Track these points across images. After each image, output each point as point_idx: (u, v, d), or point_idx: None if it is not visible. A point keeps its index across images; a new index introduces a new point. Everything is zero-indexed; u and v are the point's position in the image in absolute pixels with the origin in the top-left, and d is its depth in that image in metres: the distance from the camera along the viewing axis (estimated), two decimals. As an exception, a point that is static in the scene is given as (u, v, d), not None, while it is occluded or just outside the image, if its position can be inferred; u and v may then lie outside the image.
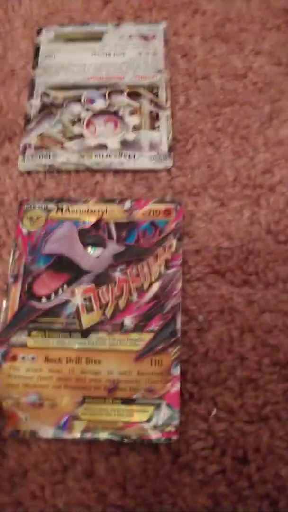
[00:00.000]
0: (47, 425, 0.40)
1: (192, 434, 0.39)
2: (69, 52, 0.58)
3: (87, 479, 0.38)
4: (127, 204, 0.48)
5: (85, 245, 0.46)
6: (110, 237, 0.46)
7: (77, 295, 0.44)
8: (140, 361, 0.41)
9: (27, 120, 0.54)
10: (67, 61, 0.57)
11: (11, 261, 0.45)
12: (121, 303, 0.43)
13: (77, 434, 0.39)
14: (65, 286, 0.44)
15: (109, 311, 0.43)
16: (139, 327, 0.42)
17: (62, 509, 0.37)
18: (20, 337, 0.42)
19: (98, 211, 0.48)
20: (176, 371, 0.41)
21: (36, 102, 0.55)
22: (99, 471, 0.38)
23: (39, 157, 0.52)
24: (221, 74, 0.56)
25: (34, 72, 0.57)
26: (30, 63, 0.58)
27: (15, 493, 0.38)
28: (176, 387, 0.40)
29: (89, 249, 0.46)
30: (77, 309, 0.43)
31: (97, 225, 0.47)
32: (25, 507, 0.37)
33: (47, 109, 0.55)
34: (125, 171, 0.51)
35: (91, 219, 0.47)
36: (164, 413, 0.39)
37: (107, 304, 0.43)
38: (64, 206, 0.48)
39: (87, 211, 0.48)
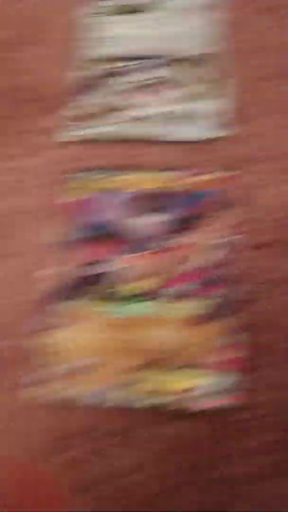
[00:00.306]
0: (89, 392, 0.38)
1: (254, 401, 0.36)
2: (113, 24, 0.57)
3: (129, 446, 0.36)
4: (183, 173, 0.46)
5: (132, 214, 0.44)
6: (165, 205, 0.44)
7: (124, 263, 0.42)
8: (200, 327, 0.39)
9: (71, 91, 0.53)
10: (112, 32, 0.56)
11: (56, 229, 0.44)
12: (172, 270, 0.41)
13: (132, 400, 0.37)
14: (112, 254, 0.43)
15: (159, 279, 0.41)
16: (190, 295, 0.40)
17: (103, 474, 0.35)
18: (74, 304, 0.40)
19: (148, 181, 0.46)
20: (239, 338, 0.38)
21: (79, 74, 0.54)
22: (141, 438, 0.36)
23: (83, 127, 0.51)
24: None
25: (78, 44, 0.56)
26: (74, 36, 0.57)
27: (57, 458, 0.35)
28: (239, 353, 0.38)
29: (136, 217, 0.44)
30: (125, 276, 0.41)
31: (145, 194, 0.45)
32: (67, 473, 0.35)
33: (91, 81, 0.53)
34: (173, 141, 0.49)
35: (137, 188, 0.46)
36: (227, 379, 0.37)
37: (157, 272, 0.41)
38: (108, 176, 0.47)
39: (135, 181, 0.46)
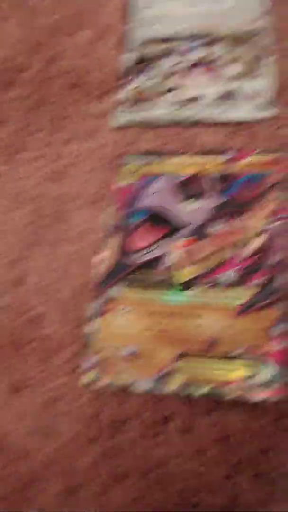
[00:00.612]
0: (144, 378, 0.39)
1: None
2: (164, 3, 0.56)
3: (187, 433, 0.37)
4: (228, 156, 0.46)
5: (184, 198, 0.44)
6: (209, 189, 0.44)
7: (176, 248, 0.42)
8: (242, 317, 0.39)
9: (123, 74, 0.53)
10: (163, 12, 0.55)
11: (108, 214, 0.45)
12: (222, 256, 0.41)
13: (175, 389, 0.38)
14: (163, 239, 0.43)
15: (209, 265, 0.41)
16: (241, 282, 0.40)
17: (161, 459, 0.36)
18: (118, 290, 0.42)
19: (197, 164, 0.46)
20: (281, 328, 0.38)
21: (131, 56, 0.54)
22: (199, 426, 0.37)
23: (136, 111, 0.51)
24: None
25: (129, 25, 0.56)
26: (125, 16, 0.56)
27: (116, 440, 0.37)
28: (282, 345, 0.37)
29: (188, 202, 0.44)
30: (176, 262, 0.42)
31: (196, 177, 0.45)
32: (125, 455, 0.37)
33: (143, 63, 0.53)
34: (225, 123, 0.48)
35: (190, 172, 0.45)
36: (268, 371, 0.37)
37: (207, 258, 0.42)
38: (162, 159, 0.47)
39: (185, 164, 0.46)
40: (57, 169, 0.49)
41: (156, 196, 0.45)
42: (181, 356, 0.38)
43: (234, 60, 0.49)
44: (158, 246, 0.43)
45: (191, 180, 0.45)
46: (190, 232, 0.42)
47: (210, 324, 0.39)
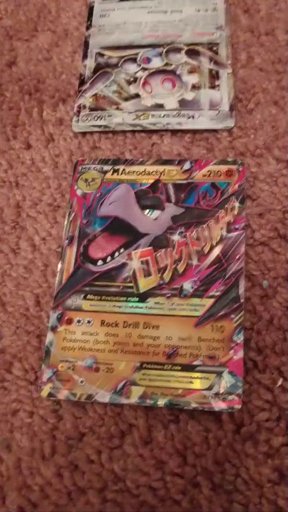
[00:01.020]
0: (103, 390, 0.38)
1: (256, 404, 0.37)
2: (123, 10, 0.56)
3: (145, 446, 0.36)
4: (187, 165, 0.46)
5: (143, 207, 0.44)
6: (168, 199, 0.44)
7: (134, 259, 0.42)
8: (200, 327, 0.39)
9: (82, 81, 0.53)
10: (122, 20, 0.55)
11: (66, 223, 0.44)
12: (180, 267, 0.41)
13: (134, 400, 0.37)
14: (122, 249, 0.43)
15: (167, 275, 0.41)
16: (199, 292, 0.40)
17: (119, 474, 0.36)
18: (75, 300, 0.41)
19: (156, 173, 0.46)
20: (239, 338, 0.38)
21: (90, 63, 0.53)
22: (158, 438, 0.37)
23: (94, 118, 0.50)
24: (287, 29, 0.52)
25: (88, 32, 0.55)
26: (83, 23, 0.56)
27: (71, 456, 0.37)
28: (239, 355, 0.38)
29: (147, 211, 0.44)
30: (134, 272, 0.42)
31: (155, 186, 0.45)
32: (81, 471, 0.36)
33: (102, 70, 0.53)
34: (183, 132, 0.48)
35: (149, 181, 0.45)
36: (226, 380, 0.37)
37: (165, 268, 0.41)
38: (120, 168, 0.46)
39: (144, 173, 0.46)
40: (17, 175, 0.47)
41: (114, 205, 0.44)
42: (140, 367, 0.38)
43: (193, 70, 0.49)
44: (116, 256, 0.42)
45: (150, 189, 0.45)
46: (149, 242, 0.42)
47: (168, 334, 0.39)
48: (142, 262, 0.42)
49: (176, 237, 0.42)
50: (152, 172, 0.46)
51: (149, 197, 0.45)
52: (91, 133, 0.49)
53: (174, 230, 0.43)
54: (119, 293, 0.41)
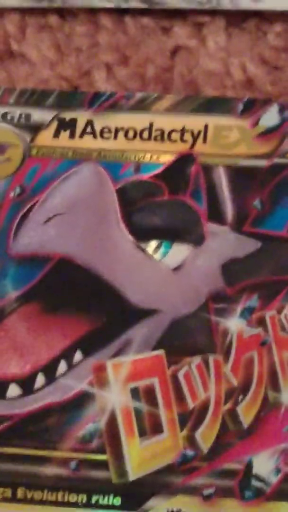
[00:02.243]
0: None
1: None
2: None
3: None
4: (270, 116, 0.16)
5: (140, 233, 0.15)
6: (215, 213, 0.15)
7: (112, 382, 0.15)
8: None
9: None
10: None
11: None
12: (246, 409, 0.15)
13: None
14: (76, 356, 0.16)
15: (207, 436, 0.15)
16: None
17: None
18: None
19: (183, 135, 0.17)
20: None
21: None
22: None
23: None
24: None
25: None
26: None
27: None
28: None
29: (153, 245, 0.16)
30: (112, 422, 0.15)
31: (178, 175, 0.17)
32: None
33: None
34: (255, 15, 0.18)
35: (161, 158, 0.17)
36: None
37: (202, 411, 0.15)
38: (80, 118, 0.17)
39: (149, 135, 0.17)
40: None
41: (61, 224, 0.16)
42: None
43: None
44: (60, 375, 0.17)
45: (164, 183, 0.16)
46: (155, 338, 0.16)
47: None
48: (134, 393, 0.15)
49: (235, 324, 0.15)
50: (171, 132, 0.16)
51: (160, 205, 0.16)
52: None
53: (230, 302, 0.15)
54: (66, 486, 0.13)
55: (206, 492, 0.15)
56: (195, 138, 0.17)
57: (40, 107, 0.17)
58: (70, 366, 0.16)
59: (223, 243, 0.16)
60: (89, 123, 0.17)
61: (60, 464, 0.15)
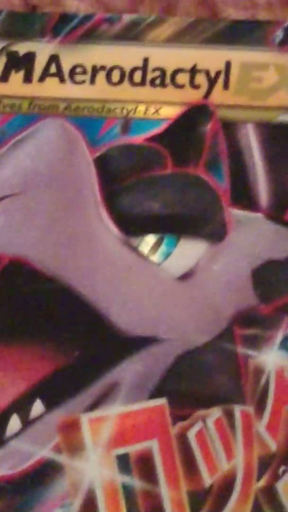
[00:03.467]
0: None
1: None
2: None
3: None
4: None
5: (133, 223, 0.12)
6: (242, 193, 0.12)
7: (92, 447, 0.11)
8: None
9: None
10: None
11: None
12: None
13: None
14: (37, 404, 0.11)
15: None
16: None
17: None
18: None
19: (194, 75, 0.12)
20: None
21: None
22: None
23: None
24: None
25: None
26: None
27: None
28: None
29: (149, 241, 0.12)
30: (87, 509, 0.11)
31: (189, 134, 0.12)
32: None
33: None
34: None
35: (161, 111, 0.12)
36: None
37: (225, 493, 0.11)
38: (40, 51, 0.12)
39: (144, 77, 0.12)
40: None
41: (7, 211, 0.09)
42: None
43: None
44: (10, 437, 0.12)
45: (166, 147, 0.11)
46: (153, 379, 0.12)
47: None
48: (122, 463, 0.10)
49: (272, 358, 0.11)
50: (175, 73, 0.12)
51: (159, 182, 0.12)
52: None
53: (265, 326, 0.12)
54: None
55: None
56: (212, 82, 0.12)
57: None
58: (26, 422, 0.11)
59: (255, 238, 0.11)
60: (54, 59, 0.12)
61: None
